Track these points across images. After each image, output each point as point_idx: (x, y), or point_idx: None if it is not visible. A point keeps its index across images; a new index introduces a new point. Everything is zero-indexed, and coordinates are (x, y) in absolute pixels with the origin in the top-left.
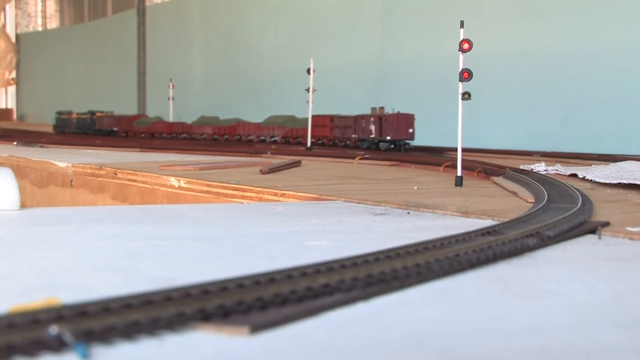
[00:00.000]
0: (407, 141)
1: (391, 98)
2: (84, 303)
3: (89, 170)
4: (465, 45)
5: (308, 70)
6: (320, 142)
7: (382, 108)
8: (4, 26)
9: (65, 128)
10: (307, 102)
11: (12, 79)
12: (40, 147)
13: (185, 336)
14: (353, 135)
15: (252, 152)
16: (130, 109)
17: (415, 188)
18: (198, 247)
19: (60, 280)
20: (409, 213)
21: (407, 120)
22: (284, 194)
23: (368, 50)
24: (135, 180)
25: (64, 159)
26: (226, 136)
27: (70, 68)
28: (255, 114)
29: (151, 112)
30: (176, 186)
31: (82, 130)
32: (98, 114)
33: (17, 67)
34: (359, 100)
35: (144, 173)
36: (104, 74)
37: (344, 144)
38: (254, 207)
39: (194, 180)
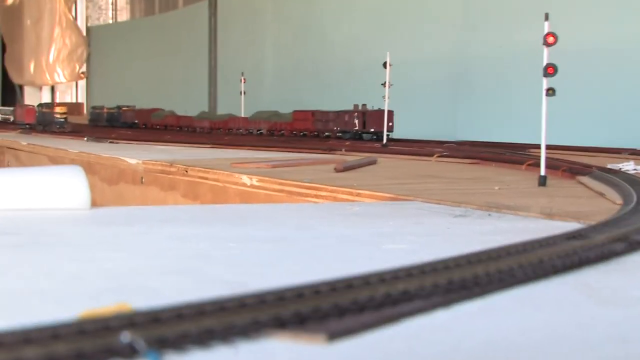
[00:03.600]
0: (388, 133)
1: (471, 92)
2: (156, 309)
3: (159, 167)
4: (550, 39)
5: (384, 64)
6: (302, 133)
7: (364, 105)
8: (75, 19)
9: (98, 121)
10: (383, 97)
11: (83, 72)
12: (111, 142)
13: (260, 344)
14: (335, 128)
15: (325, 149)
16: (201, 104)
17: (496, 188)
18: (271, 249)
19: (129, 282)
20: (489, 215)
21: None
22: (359, 193)
23: (447, 42)
24: (206, 178)
25: (134, 155)
26: (220, 129)
27: (140, 61)
28: (328, 107)
29: (222, 107)
30: (248, 184)
31: (110, 122)
32: (124, 108)
33: (88, 60)
34: (437, 93)
35: (215, 170)
36: (174, 67)
37: (325, 135)
38: (329, 207)
39: (267, 179)
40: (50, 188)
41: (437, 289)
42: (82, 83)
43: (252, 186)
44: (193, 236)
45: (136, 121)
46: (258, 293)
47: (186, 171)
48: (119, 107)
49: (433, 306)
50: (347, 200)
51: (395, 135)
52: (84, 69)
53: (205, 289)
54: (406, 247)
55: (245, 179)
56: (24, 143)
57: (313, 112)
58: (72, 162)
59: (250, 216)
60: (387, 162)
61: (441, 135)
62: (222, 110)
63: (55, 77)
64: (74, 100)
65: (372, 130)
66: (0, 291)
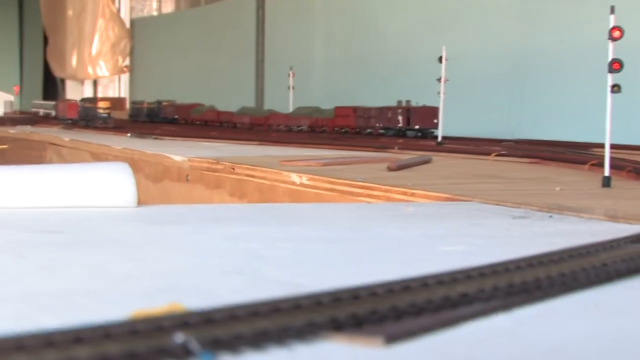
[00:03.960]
0: (432, 130)
1: (530, 88)
2: (210, 310)
3: (205, 165)
4: (616, 33)
5: (440, 59)
6: (343, 130)
7: (408, 101)
8: (118, 11)
9: (138, 117)
10: (439, 93)
11: (126, 66)
12: (155, 139)
13: (316, 346)
14: (377, 125)
15: (378, 146)
16: (247, 99)
17: (558, 189)
18: (325, 250)
19: (181, 282)
20: (551, 216)
21: (432, 112)
22: (413, 193)
23: (505, 35)
24: (253, 176)
25: (179, 152)
26: (261, 125)
27: (184, 55)
28: (380, 103)
29: (269, 102)
30: (297, 183)
31: (150, 118)
32: (164, 103)
33: (131, 54)
34: (494, 89)
35: (263, 168)
36: (219, 61)
37: (367, 131)
38: (383, 207)
39: (317, 177)
40: (96, 185)
41: (497, 292)
42: (125, 77)
43: (301, 185)
44: (244, 236)
45: (176, 117)
46: (313, 294)
47: (233, 169)
48: (159, 102)
49: (493, 310)
50: (401, 200)
51: (448, 132)
52: (127, 62)
53: (259, 289)
54: (464, 249)
55: (294, 177)
56: (67, 139)
57: (355, 108)
58: (116, 158)
59: (302, 216)
60: (442, 161)
61: (498, 133)
62: (269, 106)
63: (97, 70)
64: (116, 95)
65: (417, 127)
66: (49, 290)
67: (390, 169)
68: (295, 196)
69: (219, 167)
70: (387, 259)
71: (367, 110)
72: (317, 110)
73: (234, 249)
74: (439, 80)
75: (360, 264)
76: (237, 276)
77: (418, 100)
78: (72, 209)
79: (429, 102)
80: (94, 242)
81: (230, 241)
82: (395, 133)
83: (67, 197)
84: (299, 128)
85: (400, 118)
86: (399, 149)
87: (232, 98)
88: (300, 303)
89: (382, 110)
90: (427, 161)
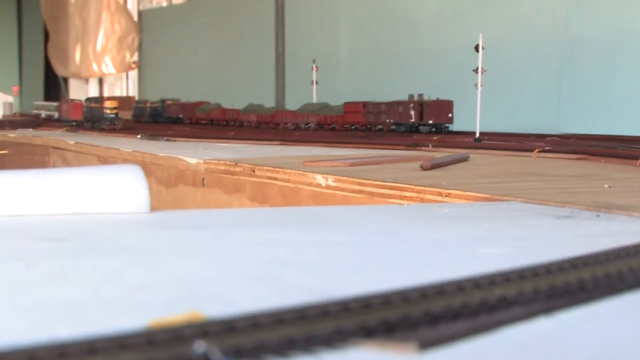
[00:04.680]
0: (447, 125)
1: (577, 78)
2: (231, 317)
3: (222, 167)
4: None
5: (476, 47)
6: (353, 127)
7: (420, 95)
8: (125, 2)
9: (141, 117)
10: (476, 85)
11: (134, 62)
12: (167, 140)
13: (345, 354)
14: (387, 120)
15: (409, 144)
16: (266, 96)
17: (607, 186)
18: (354, 255)
19: (201, 291)
20: (598, 216)
21: (446, 106)
22: (449, 193)
23: (549, 21)
24: (275, 179)
25: (194, 154)
26: (268, 123)
27: (198, 49)
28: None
29: (291, 98)
30: (323, 185)
31: (154, 118)
32: (168, 102)
33: (139, 49)
34: (536, 80)
35: (286, 170)
36: (236, 55)
37: (377, 128)
38: (415, 208)
39: (344, 178)
40: (106, 189)
41: (538, 294)
42: (133, 74)
43: (327, 187)
44: (267, 241)
45: (181, 116)
46: (342, 300)
47: (253, 171)
48: (162, 101)
49: (534, 313)
50: (436, 201)
51: (486, 128)
52: (135, 58)
53: (284, 296)
54: (503, 251)
55: (319, 179)
56: (72, 142)
57: (365, 104)
58: (125, 162)
59: (328, 219)
60: (480, 159)
61: (541, 127)
62: (291, 103)
63: (103, 68)
64: (124, 94)
65: (431, 122)
66: (61, 300)
67: (423, 168)
68: (321, 199)
69: (238, 169)
70: (420, 263)
71: (377, 105)
72: (326, 106)
73: (256, 255)
74: (476, 71)
75: (392, 268)
76: (260, 283)
77: (422, 93)
78: (81, 216)
79: (466, 96)
80: (105, 249)
81: (252, 247)
82: (407, 129)
83: (74, 203)
84: (307, 126)
85: (412, 113)
86: (432, 146)
87: (250, 94)
88: (327, 309)
89: (393, 105)
90: (463, 159)
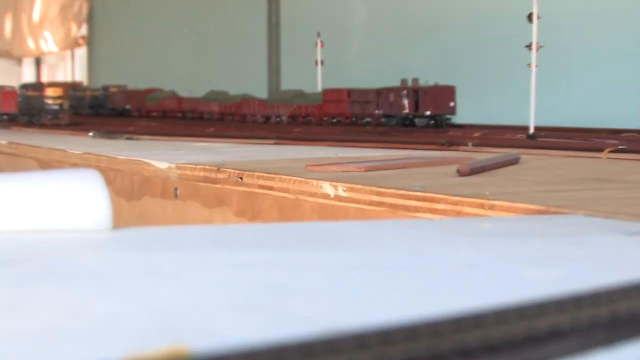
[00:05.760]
0: (448, 117)
1: None
2: (223, 353)
3: (201, 174)
4: None
5: (529, 17)
6: (335, 119)
7: (416, 80)
8: None
9: (79, 109)
10: (529, 65)
11: (82, 37)
12: (128, 139)
13: None
14: (376, 111)
15: (443, 143)
16: (256, 81)
17: None
18: (370, 279)
19: (182, 322)
20: None
21: (446, 93)
22: (493, 205)
23: None
24: (270, 188)
25: (163, 157)
26: (232, 115)
27: (167, 21)
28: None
29: (288, 81)
30: (332, 195)
31: (95, 110)
32: (112, 89)
33: (89, 20)
34: (609, 61)
35: (283, 177)
36: (216, 28)
37: (365, 121)
38: (450, 224)
39: (358, 187)
40: (55, 201)
41: (597, 324)
42: (81, 53)
43: (337, 198)
44: (261, 263)
45: (127, 106)
46: (356, 333)
47: (241, 178)
48: (105, 88)
49: (590, 346)
50: (476, 215)
51: (542, 121)
52: (83, 31)
53: (284, 329)
54: (557, 274)
55: (327, 187)
56: (3, 142)
57: (349, 91)
58: (75, 167)
59: (338, 237)
60: (534, 161)
61: (615, 121)
62: (287, 87)
63: (41, 44)
64: (69, 79)
65: (429, 113)
66: (14, 332)
67: (461, 173)
68: (329, 213)
69: (221, 176)
70: (453, 288)
71: (365, 93)
72: (300, 94)
73: (248, 279)
74: (529, 47)
75: (418, 295)
76: (255, 312)
77: (418, 78)
78: (26, 234)
79: (514, 78)
80: (62, 274)
81: (242, 270)
82: (400, 122)
83: (16, 219)
84: (278, 118)
85: (405, 102)
86: (473, 145)
87: (234, 80)
88: (339, 344)
89: (382, 92)
90: (513, 161)
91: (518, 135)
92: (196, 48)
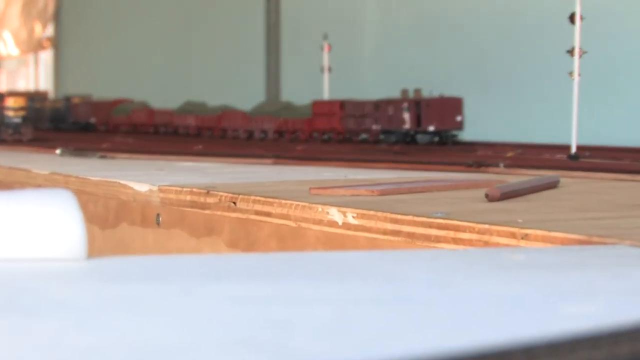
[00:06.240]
0: (454, 133)
1: None
2: None
3: (187, 198)
4: None
5: (571, 17)
6: (325, 136)
7: (418, 90)
8: None
9: (38, 122)
10: (571, 73)
11: (47, 38)
12: (101, 157)
13: None
14: (373, 127)
15: (470, 164)
16: (251, 90)
17: None
18: (383, 314)
19: None
20: None
21: (452, 105)
22: (526, 234)
23: None
24: (268, 214)
25: (144, 178)
26: (210, 131)
27: (147, 18)
28: (476, 91)
29: (289, 91)
30: (340, 223)
31: (55, 124)
32: (74, 100)
33: (56, 18)
34: None
35: (283, 201)
36: (204, 28)
37: (360, 138)
38: (476, 254)
39: (371, 213)
40: (23, 225)
41: None
42: (47, 56)
43: (346, 226)
44: (259, 296)
45: (92, 120)
46: None
47: (234, 203)
48: (67, 99)
49: None
50: (507, 245)
51: (585, 139)
52: (49, 32)
53: None
54: (597, 310)
55: (334, 213)
56: None
57: (342, 103)
58: (40, 188)
59: (348, 267)
60: (575, 185)
61: None
62: (289, 98)
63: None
64: (32, 88)
65: (432, 129)
66: None
67: (490, 198)
68: (337, 244)
69: (211, 200)
70: (479, 323)
71: (360, 105)
72: (287, 107)
73: (246, 314)
74: (571, 52)
75: (439, 331)
76: (255, 350)
77: (420, 88)
78: None
79: (552, 89)
80: (33, 307)
81: (238, 303)
82: (400, 138)
83: None
84: (263, 133)
85: (406, 116)
86: (505, 166)
87: (225, 89)
88: None
89: (380, 105)
90: (551, 185)
91: (557, 156)
92: (177, 51)
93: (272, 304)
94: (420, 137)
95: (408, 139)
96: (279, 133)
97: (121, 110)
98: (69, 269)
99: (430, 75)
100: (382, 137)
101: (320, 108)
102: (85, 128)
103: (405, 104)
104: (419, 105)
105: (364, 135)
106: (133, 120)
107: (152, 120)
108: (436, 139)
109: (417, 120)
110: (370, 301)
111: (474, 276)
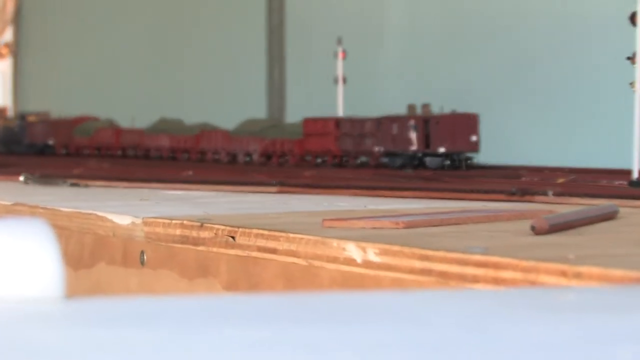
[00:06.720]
0: (469, 155)
1: None
2: None
3: (177, 232)
4: None
5: (632, 18)
6: (319, 160)
7: (426, 106)
8: None
9: None
10: (631, 84)
11: (6, 45)
12: (73, 185)
13: None
14: (375, 148)
15: (513, 192)
16: (250, 104)
17: None
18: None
19: None
20: None
21: (466, 123)
22: (579, 272)
23: None
24: (273, 250)
25: (124, 209)
26: (187, 154)
27: (122, 21)
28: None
29: (295, 107)
30: (359, 261)
31: (8, 147)
32: (30, 118)
33: (16, 21)
34: None
35: (291, 235)
36: (196, 34)
37: (359, 161)
38: (520, 295)
39: (395, 249)
40: None
41: None
42: (5, 67)
43: (366, 264)
44: (266, 342)
45: (51, 142)
46: None
47: (233, 237)
48: (22, 117)
49: None
50: (555, 284)
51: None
52: (8, 37)
53: None
54: None
55: (352, 249)
56: None
57: (337, 121)
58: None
59: (369, 309)
60: (636, 216)
61: None
62: (296, 115)
63: None
64: None
65: (443, 150)
66: None
67: (537, 231)
68: (355, 285)
69: (205, 234)
70: None
71: (360, 123)
72: (275, 125)
73: None
74: (631, 59)
75: None
76: None
77: (429, 104)
78: None
79: (608, 104)
80: (9, 355)
81: (244, 350)
82: (407, 161)
83: None
84: (247, 156)
85: (413, 136)
86: (554, 194)
87: (217, 105)
88: None
89: (382, 122)
90: (608, 216)
91: (616, 182)
92: (169, 63)
93: (283, 351)
94: (429, 161)
95: (416, 162)
96: (266, 156)
97: (83, 131)
98: (48, 311)
99: (465, 89)
100: (385, 160)
101: (312, 127)
102: (43, 151)
103: (412, 122)
104: (428, 123)
105: (363, 158)
106: (97, 142)
107: (118, 142)
108: (447, 162)
109: (426, 140)
110: (395, 346)
111: (515, 319)
